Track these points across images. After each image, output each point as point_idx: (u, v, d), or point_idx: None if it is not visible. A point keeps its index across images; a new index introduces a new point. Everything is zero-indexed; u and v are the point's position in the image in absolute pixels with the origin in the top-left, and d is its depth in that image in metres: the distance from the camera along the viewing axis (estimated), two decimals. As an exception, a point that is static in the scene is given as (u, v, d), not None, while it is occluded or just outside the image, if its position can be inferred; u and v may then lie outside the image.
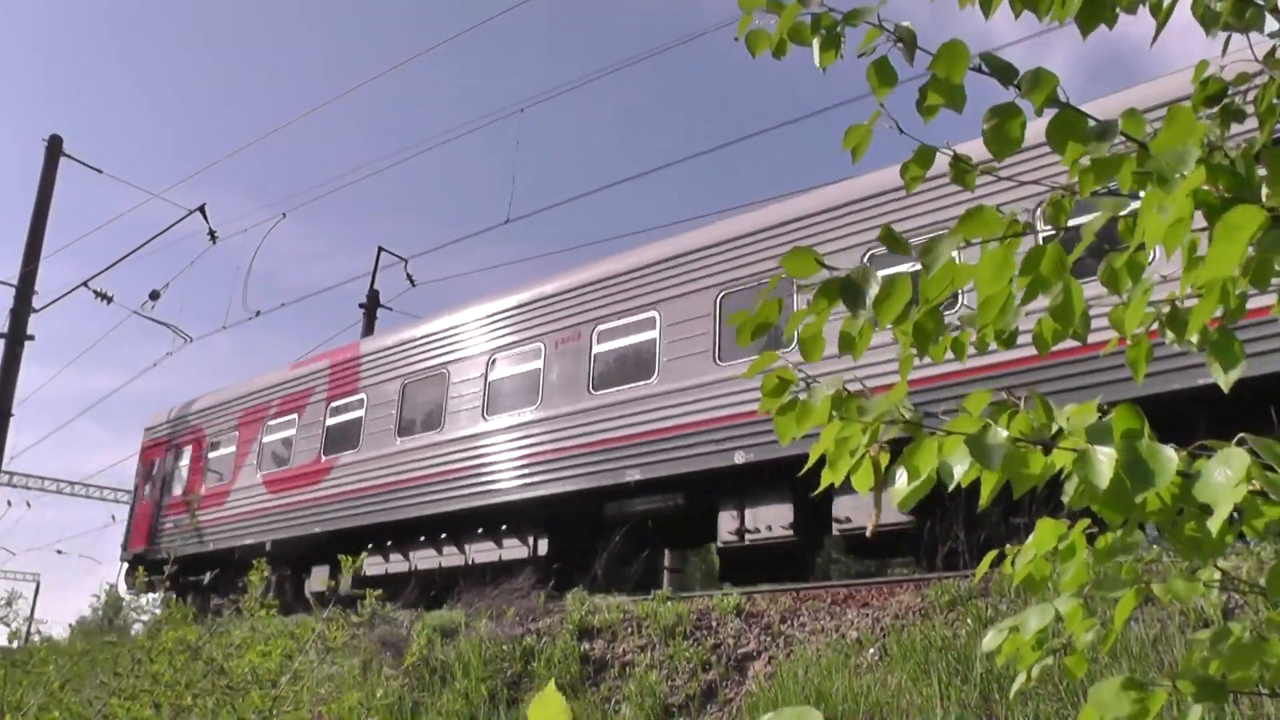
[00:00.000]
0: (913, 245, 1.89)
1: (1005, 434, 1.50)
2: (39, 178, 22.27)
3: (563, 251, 63.10)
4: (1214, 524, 1.32)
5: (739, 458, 12.13)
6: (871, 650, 8.98)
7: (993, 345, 2.05)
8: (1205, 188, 1.33)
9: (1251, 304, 1.80)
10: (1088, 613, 2.07)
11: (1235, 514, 1.39)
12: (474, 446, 15.29)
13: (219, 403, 21.30)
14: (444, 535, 15.77)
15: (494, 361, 15.59)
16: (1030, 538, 1.99)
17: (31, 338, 21.48)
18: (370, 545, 16.26)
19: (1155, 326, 2.18)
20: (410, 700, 11.24)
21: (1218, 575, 2.11)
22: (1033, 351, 2.28)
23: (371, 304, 27.43)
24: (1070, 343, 2.21)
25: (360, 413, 17.55)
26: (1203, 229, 1.41)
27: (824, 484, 1.78)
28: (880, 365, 10.28)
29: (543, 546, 14.56)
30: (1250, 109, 2.17)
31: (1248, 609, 7.08)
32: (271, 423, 19.51)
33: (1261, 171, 1.59)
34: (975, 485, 1.59)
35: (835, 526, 11.50)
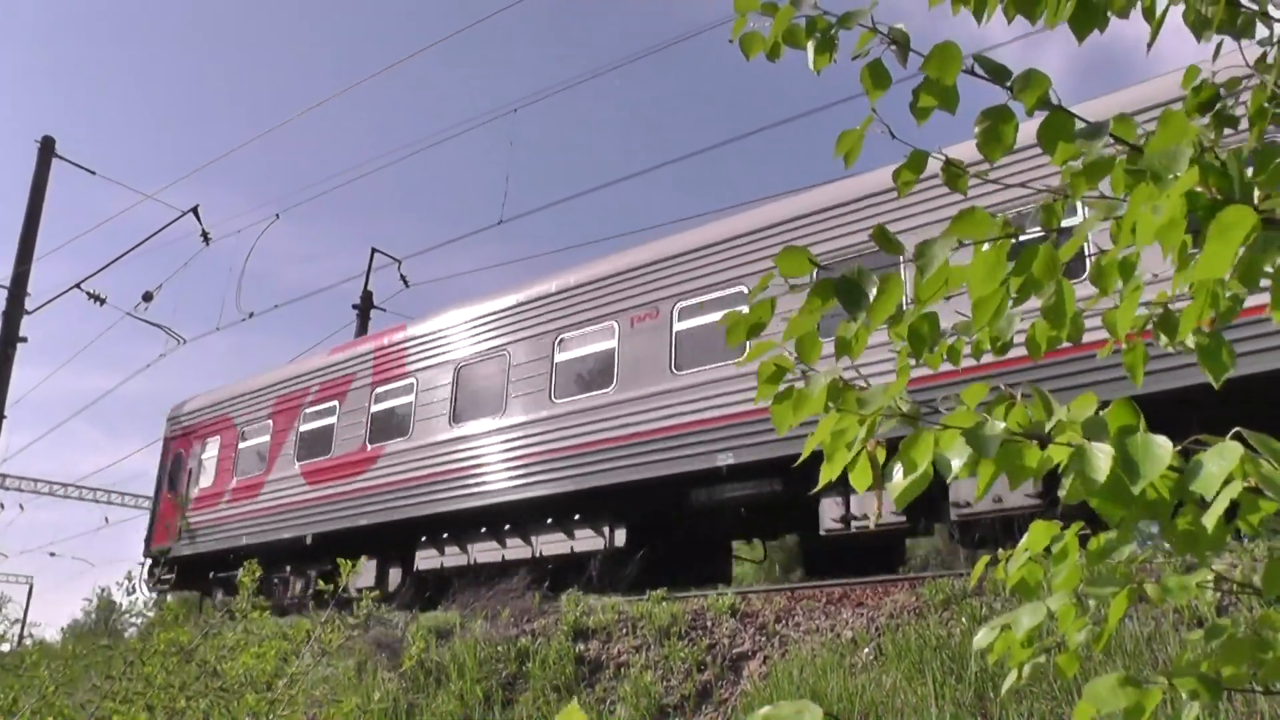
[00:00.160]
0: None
1: (1002, 425, 1.51)
2: (31, 179, 22.23)
3: (557, 252, 62.99)
4: (1209, 520, 1.33)
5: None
6: (866, 650, 9.00)
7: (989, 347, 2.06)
8: (1198, 189, 1.34)
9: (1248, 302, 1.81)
10: (1081, 611, 2.08)
11: (1233, 508, 1.40)
12: (541, 431, 14.44)
13: (250, 390, 20.42)
14: (507, 526, 14.90)
15: (561, 341, 14.76)
16: (1023, 539, 2.00)
17: (24, 339, 21.42)
18: (424, 537, 15.81)
19: (1149, 327, 2.19)
20: (405, 702, 11.23)
21: (1210, 577, 2.12)
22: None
23: (365, 305, 27.43)
24: (1066, 342, 2.22)
25: (409, 398, 16.68)
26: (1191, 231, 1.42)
27: (823, 480, 1.79)
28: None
29: (620, 537, 13.69)
30: (1242, 113, 2.19)
31: (1241, 606, 7.10)
32: (309, 410, 18.62)
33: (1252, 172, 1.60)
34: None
35: (954, 511, 10.80)
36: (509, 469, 14.70)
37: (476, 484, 15.08)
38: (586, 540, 13.98)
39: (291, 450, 18.63)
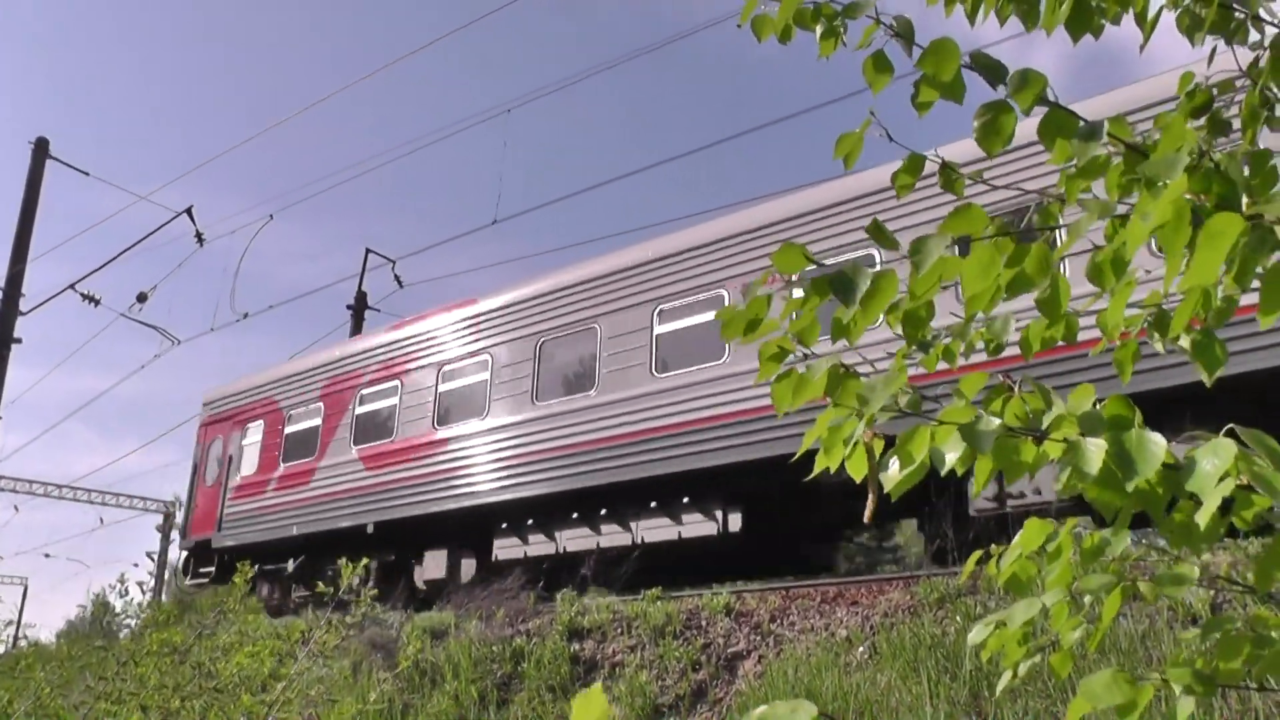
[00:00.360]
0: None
1: (997, 422, 1.52)
2: (26, 180, 22.20)
3: (551, 251, 63.06)
4: (1202, 516, 1.34)
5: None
6: (861, 648, 9.01)
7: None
8: (1188, 196, 1.34)
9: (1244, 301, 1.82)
10: (1075, 609, 2.09)
11: (1227, 503, 1.40)
12: (641, 408, 13.29)
13: (297, 372, 19.18)
14: (604, 511, 13.74)
15: (660, 312, 13.57)
16: (1017, 536, 2.01)
17: (19, 340, 21.38)
18: (504, 524, 14.73)
19: (1145, 325, 2.20)
20: (400, 702, 11.23)
21: (1197, 572, 2.13)
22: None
23: (359, 305, 27.42)
24: (1060, 342, 2.22)
25: (484, 376, 15.50)
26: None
27: (817, 469, 1.79)
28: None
29: (734, 522, 12.58)
30: (1235, 119, 2.20)
31: (1235, 603, 7.12)
32: (366, 392, 17.40)
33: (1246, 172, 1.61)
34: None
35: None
36: (602, 450, 13.63)
37: (564, 466, 14.00)
38: (695, 525, 12.91)
39: (347, 434, 17.48)
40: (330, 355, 18.73)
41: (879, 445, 1.70)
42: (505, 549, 14.71)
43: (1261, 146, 1.87)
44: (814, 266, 1.92)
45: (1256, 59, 2.16)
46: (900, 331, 1.97)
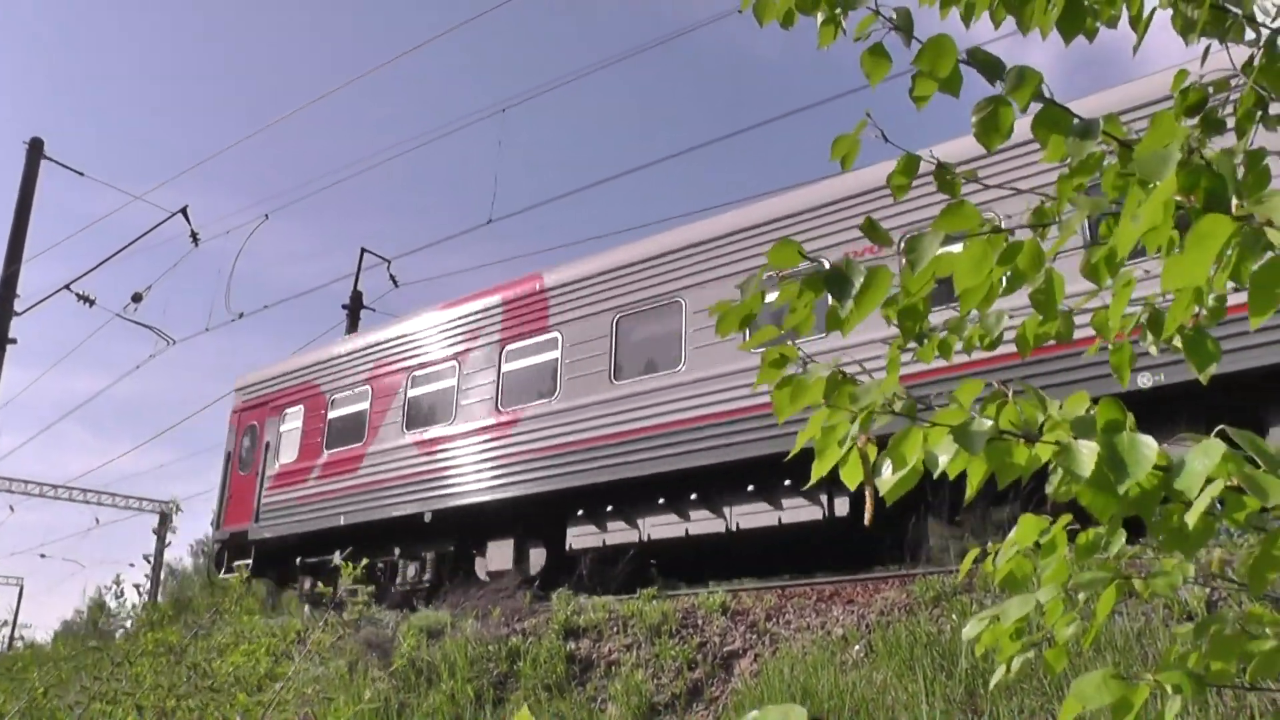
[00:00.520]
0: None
1: (990, 424, 1.52)
2: (20, 180, 22.20)
3: (547, 250, 63.04)
4: (1191, 518, 1.34)
5: (1143, 380, 9.45)
6: (857, 647, 9.01)
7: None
8: (1177, 198, 1.35)
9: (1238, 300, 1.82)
10: (1069, 606, 2.09)
11: (1218, 505, 1.41)
12: (735, 385, 12.28)
13: (341, 355, 18.25)
14: (693, 496, 12.82)
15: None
16: (1011, 533, 2.01)
17: (14, 341, 21.36)
18: (579, 511, 13.81)
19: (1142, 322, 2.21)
20: (396, 702, 11.22)
21: (1192, 570, 2.13)
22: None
23: (355, 305, 27.39)
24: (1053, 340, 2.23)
25: (554, 354, 14.59)
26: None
27: (814, 476, 1.80)
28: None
29: (841, 506, 11.61)
30: (1230, 118, 2.20)
31: (1230, 601, 7.14)
32: (419, 373, 16.48)
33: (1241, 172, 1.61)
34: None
35: None
36: (691, 430, 12.64)
37: (647, 448, 13.05)
38: (798, 510, 11.93)
39: (398, 418, 16.53)
40: (377, 337, 17.82)
41: (873, 450, 1.70)
42: (580, 537, 13.85)
43: (1256, 146, 1.88)
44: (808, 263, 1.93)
45: (1251, 57, 2.16)
46: (896, 325, 1.98)
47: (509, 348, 15.27)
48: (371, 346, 17.66)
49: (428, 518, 15.39)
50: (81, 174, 24.90)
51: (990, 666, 7.37)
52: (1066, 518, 1.96)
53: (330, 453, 17.53)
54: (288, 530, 17.83)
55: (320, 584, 16.95)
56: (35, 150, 22.56)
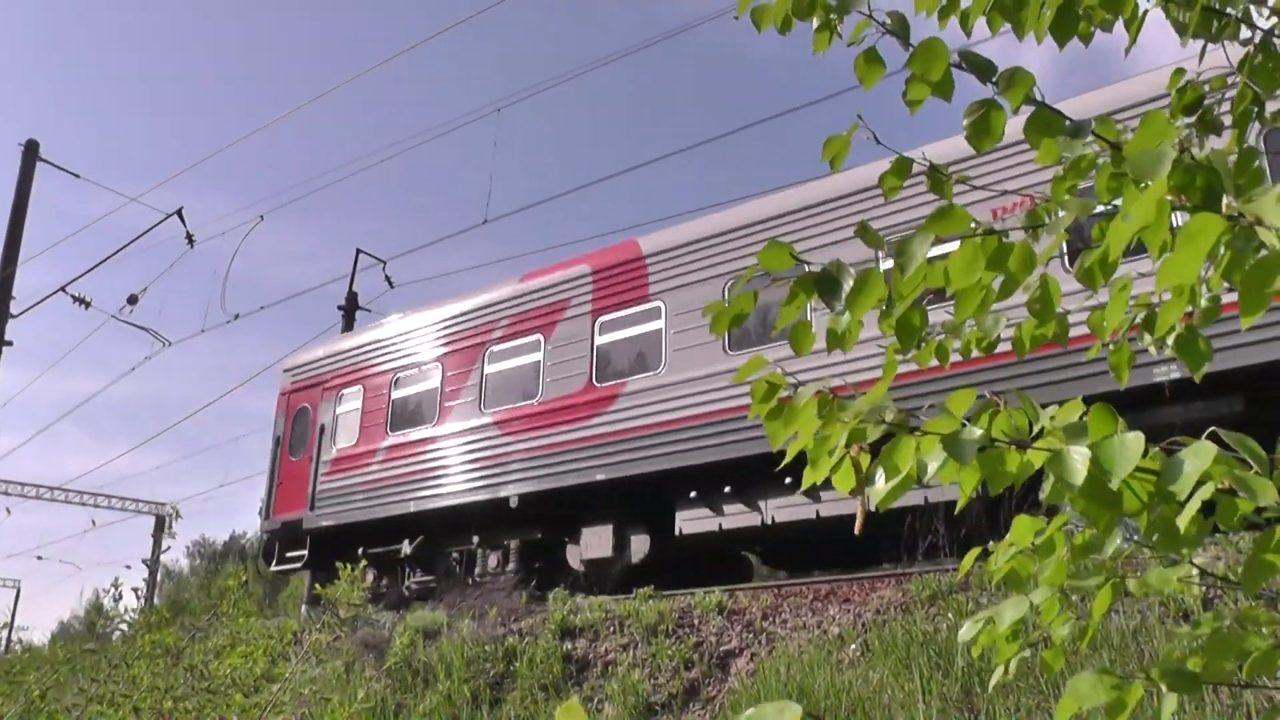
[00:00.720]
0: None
1: (979, 432, 1.52)
2: (16, 182, 22.21)
3: (544, 250, 63.03)
4: (1182, 520, 1.35)
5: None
6: (853, 646, 9.02)
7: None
8: (1169, 198, 1.35)
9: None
10: (1065, 605, 2.10)
11: (1210, 506, 1.41)
12: (860, 356, 10.80)
13: (406, 331, 17.18)
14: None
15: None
16: (1008, 534, 2.02)
17: (10, 343, 21.36)
18: (692, 493, 12.91)
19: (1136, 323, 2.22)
20: (393, 702, 11.22)
21: (1195, 573, 2.14)
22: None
23: (350, 306, 27.38)
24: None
25: (657, 324, 13.55)
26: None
27: (805, 483, 1.80)
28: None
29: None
30: (1226, 117, 2.21)
31: (1226, 599, 7.15)
32: (497, 348, 15.45)
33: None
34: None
35: None
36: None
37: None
38: (955, 488, 10.68)
39: (474, 396, 15.47)
40: (448, 312, 16.68)
41: (865, 459, 1.71)
42: (692, 521, 12.82)
43: (1252, 145, 1.88)
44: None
45: (1248, 55, 2.17)
46: (885, 344, 1.99)
47: (602, 319, 14.29)
48: (441, 322, 16.63)
49: (514, 502, 14.42)
50: (77, 176, 24.91)
51: (987, 664, 7.38)
52: (1062, 517, 1.97)
53: (395, 434, 16.54)
54: (348, 518, 16.85)
55: (392, 574, 16.33)
56: (30, 152, 22.56)
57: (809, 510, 11.73)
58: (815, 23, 2.13)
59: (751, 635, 10.02)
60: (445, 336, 16.38)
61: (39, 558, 62.35)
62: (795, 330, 1.99)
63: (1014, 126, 1.90)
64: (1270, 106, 2.25)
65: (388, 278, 27.97)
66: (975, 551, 2.36)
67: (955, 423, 1.55)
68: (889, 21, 2.01)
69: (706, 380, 12.76)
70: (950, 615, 8.65)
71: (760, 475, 11.91)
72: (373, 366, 17.40)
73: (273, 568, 18.17)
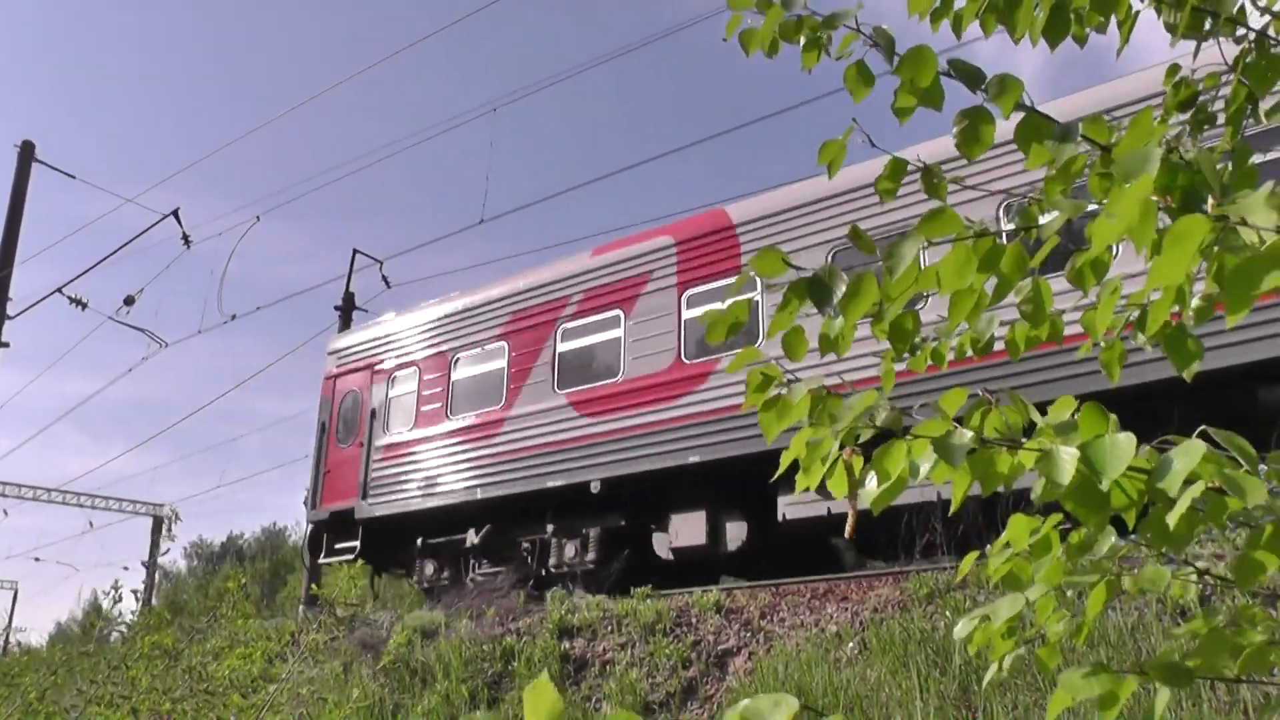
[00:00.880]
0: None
1: (969, 435, 1.54)
2: (11, 184, 22.22)
3: (541, 250, 63.03)
4: (1172, 519, 1.36)
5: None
6: (851, 644, 9.04)
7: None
8: (1154, 198, 1.36)
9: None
10: (1061, 603, 2.11)
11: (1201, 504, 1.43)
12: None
13: (467, 308, 16.17)
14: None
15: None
16: (1003, 534, 2.03)
17: (6, 345, 21.35)
18: (795, 476, 12.45)
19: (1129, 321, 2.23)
20: (391, 702, 11.23)
21: (1193, 575, 2.15)
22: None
23: (347, 306, 27.36)
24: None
25: (753, 295, 12.93)
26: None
27: (799, 488, 1.81)
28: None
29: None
30: (1221, 115, 2.22)
31: (1224, 596, 7.16)
32: (570, 325, 14.55)
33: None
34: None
35: None
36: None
37: (902, 395, 10.09)
38: None
39: (546, 376, 14.56)
40: (513, 287, 15.68)
41: (858, 463, 1.71)
42: (796, 506, 11.86)
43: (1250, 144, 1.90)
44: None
45: (1242, 52, 2.18)
46: (882, 368, 2.00)
47: (689, 292, 13.39)
48: (506, 298, 15.64)
49: (595, 487, 13.51)
50: (73, 177, 24.86)
51: (984, 662, 7.40)
52: (1056, 517, 1.98)
53: (457, 418, 15.62)
54: (405, 507, 15.83)
55: (455, 566, 15.45)
56: (26, 153, 22.55)
57: (930, 491, 10.72)
58: (802, 41, 2.14)
59: (749, 634, 10.03)
60: (512, 313, 15.45)
61: (36, 559, 62.24)
62: (788, 336, 2.00)
63: (1013, 122, 1.91)
64: (1267, 104, 2.27)
65: (384, 277, 28.09)
66: (974, 555, 2.37)
67: (946, 424, 1.56)
68: (874, 35, 2.03)
69: (813, 353, 11.76)
70: (948, 613, 8.67)
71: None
72: (429, 347, 16.53)
73: (321, 559, 17.29)
